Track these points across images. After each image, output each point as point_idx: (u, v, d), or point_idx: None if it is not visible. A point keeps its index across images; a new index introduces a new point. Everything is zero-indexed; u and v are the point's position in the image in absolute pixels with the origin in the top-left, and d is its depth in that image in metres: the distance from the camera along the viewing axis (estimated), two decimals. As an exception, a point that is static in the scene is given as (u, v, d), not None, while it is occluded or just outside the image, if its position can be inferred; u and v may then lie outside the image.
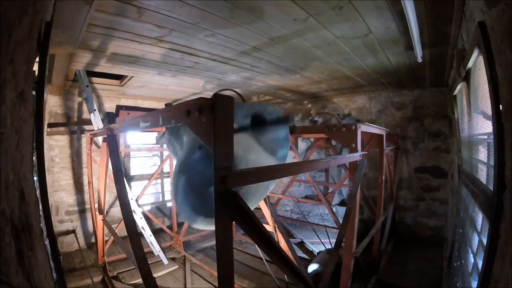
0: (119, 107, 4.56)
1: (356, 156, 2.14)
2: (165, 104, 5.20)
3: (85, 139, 4.44)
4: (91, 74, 3.67)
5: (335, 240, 2.11)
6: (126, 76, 3.89)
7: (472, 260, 1.88)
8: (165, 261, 3.93)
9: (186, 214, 1.69)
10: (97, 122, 3.66)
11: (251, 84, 4.43)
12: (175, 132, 2.06)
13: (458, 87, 2.60)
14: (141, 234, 3.46)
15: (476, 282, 1.34)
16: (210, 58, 3.10)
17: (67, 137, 4.46)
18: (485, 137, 1.65)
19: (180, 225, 4.99)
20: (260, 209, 2.74)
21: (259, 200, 1.98)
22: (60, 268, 1.42)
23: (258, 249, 1.35)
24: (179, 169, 1.73)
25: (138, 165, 5.55)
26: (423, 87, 4.53)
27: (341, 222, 2.30)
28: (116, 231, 3.39)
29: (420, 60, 2.75)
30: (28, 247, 0.83)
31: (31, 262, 0.84)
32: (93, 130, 3.68)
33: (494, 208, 1.08)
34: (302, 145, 5.86)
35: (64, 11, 1.75)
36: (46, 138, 3.85)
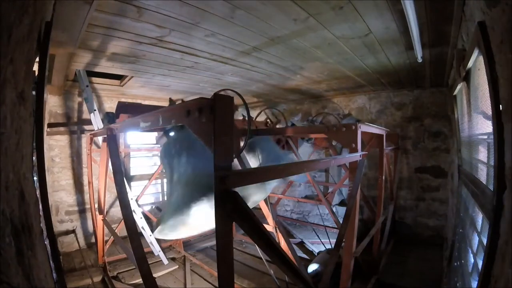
0: (121, 104, 4.55)
1: (356, 156, 2.14)
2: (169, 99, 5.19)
3: (85, 139, 4.44)
4: (91, 74, 3.67)
5: (335, 240, 2.11)
6: (126, 76, 3.89)
7: (472, 260, 1.88)
8: (165, 261, 3.93)
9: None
10: (97, 122, 3.66)
11: (251, 84, 4.43)
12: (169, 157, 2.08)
13: (458, 87, 2.60)
14: (141, 234, 3.46)
15: (476, 282, 1.34)
16: (210, 58, 3.10)
17: (67, 137, 4.46)
18: (485, 137, 1.65)
19: (180, 225, 4.98)
20: (260, 209, 2.74)
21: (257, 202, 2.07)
22: (60, 268, 1.42)
23: (258, 249, 1.35)
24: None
25: (138, 165, 5.55)
26: (423, 87, 4.53)
27: (341, 222, 2.30)
28: (116, 231, 3.39)
29: (420, 60, 2.75)
30: (28, 247, 0.83)
31: (31, 262, 0.84)
32: (93, 130, 3.68)
33: (494, 208, 1.08)
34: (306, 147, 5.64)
35: (64, 11, 1.76)
36: (46, 138, 3.86)
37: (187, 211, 1.69)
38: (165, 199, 5.84)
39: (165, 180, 5.88)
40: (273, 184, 2.27)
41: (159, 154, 2.21)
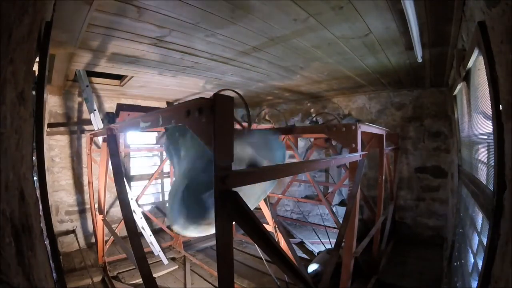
0: (120, 106, 4.55)
1: (356, 156, 2.14)
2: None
3: (85, 139, 4.44)
4: (91, 74, 3.67)
5: (335, 240, 2.11)
6: (126, 76, 3.89)
7: (472, 260, 1.88)
8: (165, 261, 3.93)
9: (180, 222, 1.71)
10: (97, 122, 3.66)
11: (251, 84, 4.43)
12: (173, 141, 2.08)
13: (458, 87, 2.60)
14: (141, 234, 3.46)
15: (476, 282, 1.34)
16: (210, 58, 3.10)
17: (67, 137, 4.46)
18: (485, 137, 1.65)
19: (180, 225, 4.98)
20: (260, 209, 2.74)
21: (256, 202, 2.07)
22: (60, 268, 1.42)
23: (258, 249, 1.35)
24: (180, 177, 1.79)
25: (138, 165, 5.55)
26: (423, 87, 4.53)
27: (341, 222, 2.30)
28: (116, 231, 3.39)
29: (420, 60, 2.75)
30: (28, 247, 0.83)
31: (31, 262, 0.84)
32: (93, 130, 3.68)
33: (494, 208, 1.08)
34: (301, 144, 5.83)
35: (64, 11, 1.75)
36: (46, 138, 3.85)
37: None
38: (166, 197, 5.85)
39: (165, 180, 5.89)
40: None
41: (163, 146, 2.17)
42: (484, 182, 1.66)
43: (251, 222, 1.11)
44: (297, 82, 4.36)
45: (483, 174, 1.76)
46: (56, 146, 4.35)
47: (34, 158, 1.17)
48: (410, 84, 4.44)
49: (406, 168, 4.80)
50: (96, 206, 3.64)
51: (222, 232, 1.04)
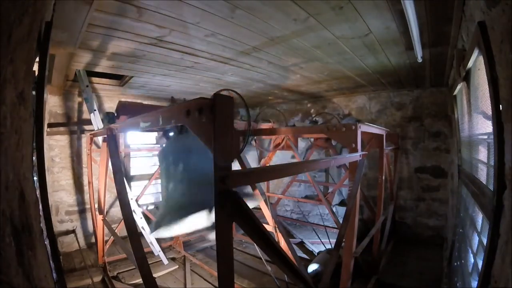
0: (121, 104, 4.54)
1: (356, 156, 2.14)
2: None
3: (85, 139, 4.44)
4: (91, 74, 3.67)
5: (335, 240, 2.11)
6: (126, 76, 3.89)
7: (472, 260, 1.88)
8: (165, 261, 3.93)
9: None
10: (97, 122, 3.66)
11: (251, 84, 4.43)
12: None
13: (458, 87, 2.60)
14: (141, 234, 3.46)
15: (476, 282, 1.34)
16: (210, 58, 3.10)
17: (67, 137, 4.46)
18: (485, 137, 1.65)
19: (180, 225, 4.98)
20: (260, 209, 2.74)
21: None
22: (60, 268, 1.42)
23: (258, 249, 1.35)
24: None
25: (138, 165, 5.55)
26: (423, 87, 4.53)
27: (341, 222, 2.30)
28: (116, 231, 3.39)
29: (420, 60, 2.75)
30: (28, 247, 0.83)
31: (31, 262, 0.84)
32: (93, 130, 3.68)
33: (494, 208, 1.08)
34: (302, 144, 5.84)
35: (64, 11, 1.76)
36: (46, 138, 3.85)
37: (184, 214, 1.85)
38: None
39: (165, 180, 5.88)
40: None
41: (158, 155, 2.28)
42: (484, 182, 1.66)
43: (251, 222, 1.11)
44: (297, 82, 4.36)
45: (483, 174, 1.76)
46: (56, 146, 4.35)
47: (34, 158, 1.17)
48: (410, 84, 4.44)
49: (406, 168, 4.80)
50: (96, 206, 3.64)
51: (222, 232, 1.04)
